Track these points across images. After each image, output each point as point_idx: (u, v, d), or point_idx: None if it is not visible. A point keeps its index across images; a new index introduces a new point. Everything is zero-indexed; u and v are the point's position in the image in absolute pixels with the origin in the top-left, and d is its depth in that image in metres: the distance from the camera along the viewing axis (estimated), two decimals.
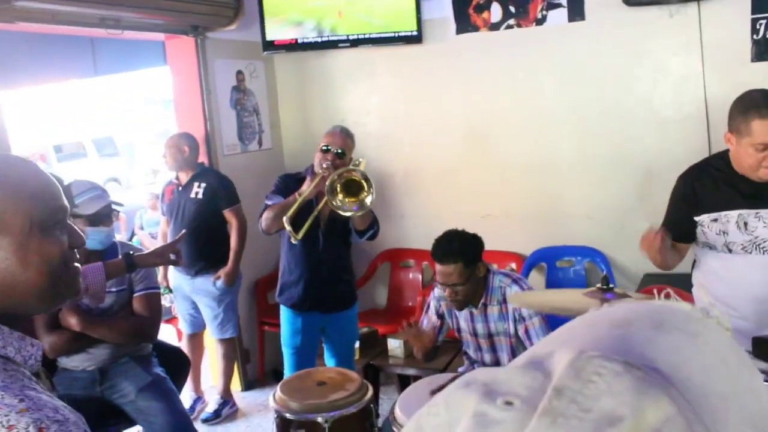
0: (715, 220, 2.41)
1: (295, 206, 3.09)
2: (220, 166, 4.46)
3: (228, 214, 4.09)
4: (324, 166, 3.13)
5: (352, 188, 3.07)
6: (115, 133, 13.95)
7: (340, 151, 3.20)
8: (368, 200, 3.04)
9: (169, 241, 4.00)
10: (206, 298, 4.15)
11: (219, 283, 4.08)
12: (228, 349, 4.30)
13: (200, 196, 4.05)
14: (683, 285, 2.68)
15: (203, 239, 4.03)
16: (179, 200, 4.13)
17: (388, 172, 4.72)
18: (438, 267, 2.77)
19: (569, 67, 4.14)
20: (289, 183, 3.27)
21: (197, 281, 4.14)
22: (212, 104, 4.46)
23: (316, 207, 3.17)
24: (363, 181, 3.04)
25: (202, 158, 4.33)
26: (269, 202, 3.25)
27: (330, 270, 3.37)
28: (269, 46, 4.48)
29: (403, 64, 4.58)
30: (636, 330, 0.40)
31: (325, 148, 3.21)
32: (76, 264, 1.09)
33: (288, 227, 3.06)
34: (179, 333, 4.72)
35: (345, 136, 3.29)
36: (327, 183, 3.01)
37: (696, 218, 2.47)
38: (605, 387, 0.35)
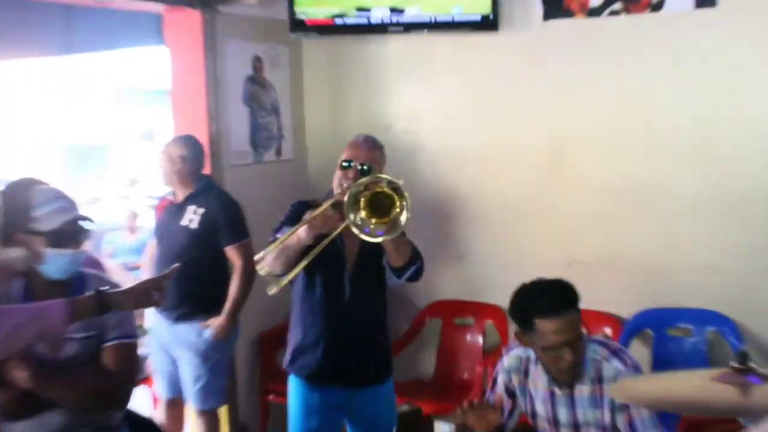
0: None
1: (286, 234, 3.04)
2: (225, 179, 4.47)
3: (231, 252, 4.05)
4: (344, 186, 3.12)
5: (380, 207, 2.98)
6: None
7: (365, 167, 3.18)
8: (402, 217, 2.94)
9: (155, 271, 4.01)
10: (188, 351, 4.11)
11: (207, 333, 4.04)
12: (210, 426, 4.22)
13: (194, 225, 4.03)
14: None
15: (192, 277, 3.95)
16: (170, 223, 4.12)
17: (445, 198, 4.70)
18: (549, 325, 2.70)
19: (693, 69, 4.08)
20: (304, 212, 3.19)
21: (179, 329, 4.10)
22: (220, 98, 4.49)
23: (336, 237, 3.11)
24: (392, 193, 2.95)
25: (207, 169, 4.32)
26: (279, 235, 3.19)
27: (360, 328, 3.33)
28: (299, 26, 4.51)
29: (471, 57, 4.58)
30: None
31: (345, 164, 3.21)
32: None
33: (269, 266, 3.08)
34: (156, 397, 4.65)
35: (372, 148, 3.27)
36: (345, 200, 2.94)
37: None
38: None
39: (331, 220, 3.02)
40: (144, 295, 2.65)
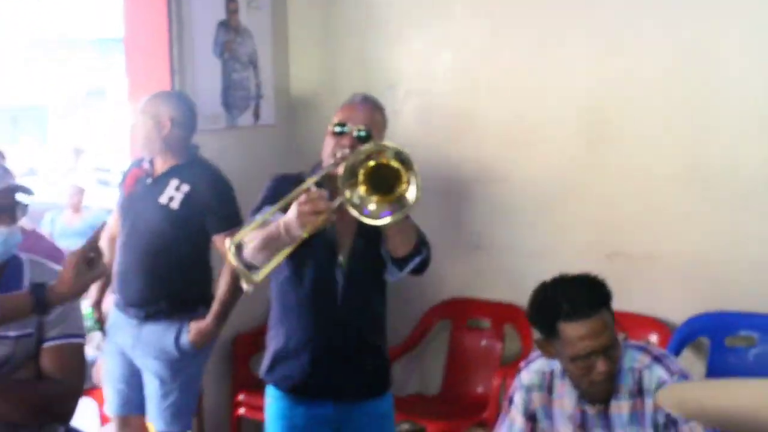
0: None
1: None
2: None
3: (221, 241, 3.88)
4: (338, 155, 3.10)
5: (383, 182, 2.91)
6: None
7: (363, 132, 3.16)
8: (410, 194, 2.86)
9: (119, 258, 4.03)
10: (157, 360, 4.05)
11: (185, 338, 4.00)
12: None
13: (175, 204, 3.97)
14: None
15: (169, 267, 3.96)
16: (143, 198, 4.04)
17: (460, 173, 4.71)
18: (576, 329, 2.71)
19: None
20: (287, 190, 3.14)
21: (147, 331, 4.04)
22: (184, 48, 4.48)
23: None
24: (399, 166, 2.89)
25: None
26: (259, 217, 3.18)
27: (354, 332, 3.33)
28: None
29: (497, 0, 4.59)
30: None
31: (339, 128, 3.18)
32: None
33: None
34: (104, 414, 4.64)
35: (372, 109, 3.26)
36: (341, 174, 2.88)
37: None
38: None
39: (320, 204, 2.86)
40: (81, 274, 2.54)
